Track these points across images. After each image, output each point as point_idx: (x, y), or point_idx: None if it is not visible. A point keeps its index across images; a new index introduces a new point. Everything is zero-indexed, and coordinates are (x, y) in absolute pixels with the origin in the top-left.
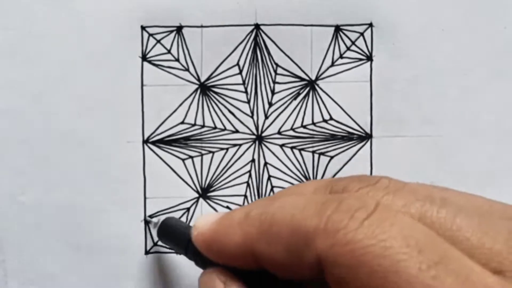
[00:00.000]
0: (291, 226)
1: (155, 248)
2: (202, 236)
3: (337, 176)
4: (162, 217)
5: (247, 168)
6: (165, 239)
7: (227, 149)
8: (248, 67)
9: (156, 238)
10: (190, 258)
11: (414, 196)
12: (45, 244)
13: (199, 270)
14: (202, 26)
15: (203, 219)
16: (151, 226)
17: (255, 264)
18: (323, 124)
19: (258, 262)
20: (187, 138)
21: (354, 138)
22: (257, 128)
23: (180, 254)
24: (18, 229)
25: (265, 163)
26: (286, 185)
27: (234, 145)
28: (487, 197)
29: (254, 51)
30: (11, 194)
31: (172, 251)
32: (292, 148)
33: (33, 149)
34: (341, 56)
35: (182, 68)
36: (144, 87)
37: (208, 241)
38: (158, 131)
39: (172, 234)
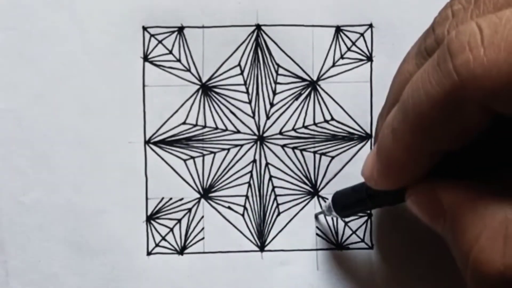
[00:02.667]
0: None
1: (157, 249)
2: (376, 178)
3: (337, 176)
4: (326, 202)
5: (249, 168)
6: (346, 211)
7: (228, 149)
8: (250, 68)
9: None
10: (378, 205)
11: None
12: (46, 245)
13: (199, 271)
14: (203, 27)
15: (366, 166)
16: (325, 213)
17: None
18: (324, 125)
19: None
20: (189, 139)
21: (355, 138)
22: (258, 129)
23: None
24: (20, 229)
25: (267, 164)
26: (287, 185)
27: (236, 145)
28: None
29: (256, 52)
30: (12, 195)
31: (173, 251)
32: (293, 148)
33: (34, 149)
34: (342, 57)
35: (184, 68)
36: (146, 88)
37: (383, 175)
38: (159, 132)
39: (350, 202)
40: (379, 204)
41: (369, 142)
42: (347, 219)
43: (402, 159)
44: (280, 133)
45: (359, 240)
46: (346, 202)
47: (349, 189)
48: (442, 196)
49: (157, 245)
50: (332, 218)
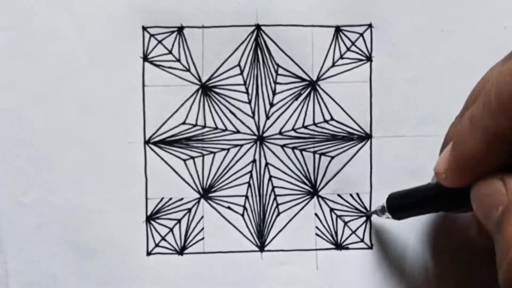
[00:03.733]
0: None
1: (157, 249)
2: (448, 174)
3: (337, 176)
4: (381, 201)
5: (248, 168)
6: (402, 213)
7: (228, 149)
8: (249, 68)
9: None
10: (439, 210)
11: None
12: (46, 245)
13: (199, 271)
14: (203, 27)
15: (439, 163)
16: (377, 215)
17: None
18: (324, 125)
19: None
20: (188, 139)
21: (354, 138)
22: (258, 129)
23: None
24: (19, 229)
25: (266, 164)
26: (287, 185)
27: (235, 145)
28: None
29: (255, 52)
30: (12, 195)
31: (173, 251)
32: (293, 148)
33: (34, 149)
34: (341, 57)
35: (183, 68)
36: (146, 88)
37: (457, 169)
38: (159, 132)
39: (405, 202)
40: (439, 205)
41: (368, 142)
42: (346, 219)
43: (479, 147)
44: (280, 133)
45: (359, 240)
46: (404, 203)
47: (408, 191)
48: (509, 186)
49: (157, 245)
50: (332, 219)
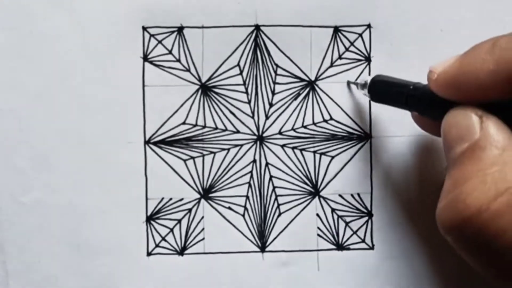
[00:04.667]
0: None
1: (157, 250)
2: (444, 77)
3: (338, 176)
4: (367, 77)
5: (249, 168)
6: (379, 97)
7: (228, 149)
8: (249, 68)
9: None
10: (413, 109)
11: None
12: (46, 245)
13: (200, 272)
14: (203, 27)
15: (439, 64)
16: (357, 87)
17: (508, 93)
18: (324, 124)
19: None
20: (189, 139)
21: (354, 138)
22: (258, 129)
23: (398, 107)
24: (19, 230)
25: (267, 164)
26: (288, 185)
27: (235, 145)
28: None
29: (255, 52)
30: (12, 195)
31: (173, 252)
32: (293, 148)
33: (34, 150)
34: (340, 57)
35: (183, 68)
36: (146, 88)
37: (452, 78)
38: (159, 132)
39: (388, 89)
40: (415, 105)
41: (368, 141)
42: (348, 220)
43: (486, 71)
44: (280, 133)
45: (360, 240)
46: (385, 89)
47: (395, 79)
48: (485, 125)
49: (157, 245)
50: (334, 220)
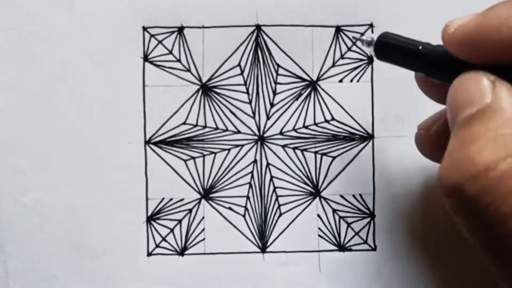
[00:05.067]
0: None
1: (157, 250)
2: (462, 31)
3: (339, 176)
4: (372, 34)
5: (249, 169)
6: (385, 54)
7: (229, 149)
8: (250, 68)
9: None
10: (419, 69)
11: None
12: (46, 245)
13: (200, 272)
14: (203, 27)
15: (457, 19)
16: (362, 43)
17: None
18: (325, 125)
19: None
20: (189, 139)
21: (356, 138)
22: (259, 129)
23: (405, 66)
24: (19, 230)
25: (267, 164)
26: (288, 186)
27: (236, 145)
28: None
29: (255, 52)
30: (12, 195)
31: (174, 252)
32: (294, 148)
33: (34, 149)
34: (342, 57)
35: (184, 68)
36: (146, 88)
37: (472, 32)
38: (159, 132)
39: (397, 46)
40: (423, 65)
41: (370, 142)
42: (349, 220)
43: (508, 29)
44: (281, 133)
45: (362, 241)
46: (392, 47)
47: (405, 38)
48: (497, 90)
49: (157, 246)
50: (335, 221)
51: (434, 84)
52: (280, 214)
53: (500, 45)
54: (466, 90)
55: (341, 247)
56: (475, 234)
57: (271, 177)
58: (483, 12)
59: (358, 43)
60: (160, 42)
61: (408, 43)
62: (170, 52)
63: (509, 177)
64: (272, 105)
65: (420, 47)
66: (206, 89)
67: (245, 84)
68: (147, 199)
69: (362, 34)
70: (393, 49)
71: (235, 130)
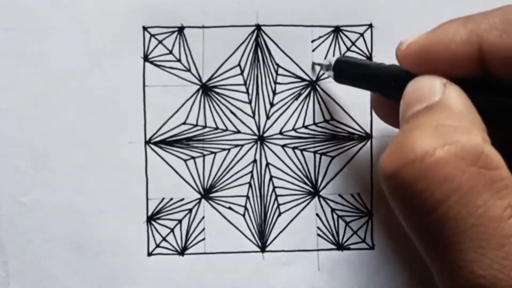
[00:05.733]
0: None
1: (158, 250)
2: (413, 47)
3: (338, 176)
4: (332, 58)
5: (249, 168)
6: (343, 77)
7: (229, 149)
8: (250, 68)
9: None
10: (375, 89)
11: None
12: (47, 245)
13: (200, 272)
14: (203, 27)
15: (409, 37)
16: (322, 69)
17: (475, 68)
18: (324, 124)
19: (482, 61)
20: (189, 139)
21: (355, 138)
22: (258, 129)
23: (362, 87)
24: (20, 230)
25: (267, 164)
26: (288, 185)
27: (236, 145)
28: None
29: (255, 52)
30: (13, 195)
31: (174, 252)
32: (293, 148)
33: (34, 150)
34: None
35: (184, 68)
36: (146, 88)
37: (422, 47)
38: (160, 132)
39: (352, 70)
40: (377, 84)
41: (369, 141)
42: (348, 220)
43: (458, 42)
44: (280, 133)
45: (360, 240)
46: (349, 70)
47: (360, 60)
48: (448, 91)
49: (157, 245)
50: (334, 220)
51: (387, 105)
52: (280, 214)
53: (449, 59)
54: (419, 90)
55: (340, 246)
56: (408, 219)
57: (271, 176)
58: (433, 29)
59: (317, 68)
60: (160, 42)
61: (363, 64)
62: (170, 52)
63: (445, 164)
64: (271, 105)
65: (375, 66)
66: (206, 89)
67: (245, 84)
68: (147, 199)
69: (318, 62)
70: (350, 71)
71: (235, 130)
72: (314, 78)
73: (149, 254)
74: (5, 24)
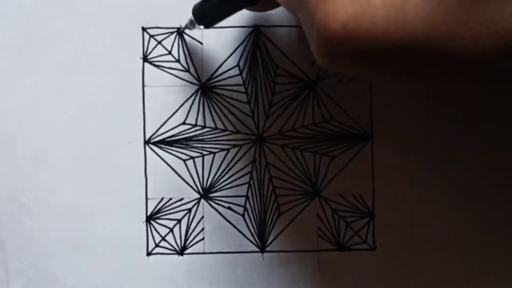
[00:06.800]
0: None
1: (157, 249)
2: None
3: (338, 176)
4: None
5: (248, 168)
6: (208, 19)
7: (228, 149)
8: (248, 68)
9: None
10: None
11: None
12: (46, 245)
13: (200, 272)
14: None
15: None
16: (188, 27)
17: None
18: (324, 124)
19: None
20: (188, 139)
21: (355, 138)
22: (258, 129)
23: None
24: (20, 230)
25: (266, 164)
26: (288, 186)
27: (235, 145)
28: (486, 194)
29: (254, 52)
30: (12, 195)
31: (173, 252)
32: (293, 148)
33: (34, 149)
34: None
35: (183, 69)
36: (145, 88)
37: None
38: (159, 132)
39: (210, 6)
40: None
41: (369, 142)
42: (349, 220)
43: None
44: (280, 133)
45: (361, 241)
46: (208, 8)
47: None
48: None
49: (157, 245)
50: (335, 220)
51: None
52: (280, 214)
53: None
54: None
55: (341, 247)
56: None
57: (270, 177)
58: None
59: (188, 32)
60: (159, 42)
61: None
62: (170, 53)
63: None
64: (271, 105)
65: None
66: (205, 89)
67: (244, 84)
68: (146, 198)
69: (182, 28)
70: (210, 9)
71: (234, 130)
72: (313, 78)
73: (149, 253)
74: (5, 24)
